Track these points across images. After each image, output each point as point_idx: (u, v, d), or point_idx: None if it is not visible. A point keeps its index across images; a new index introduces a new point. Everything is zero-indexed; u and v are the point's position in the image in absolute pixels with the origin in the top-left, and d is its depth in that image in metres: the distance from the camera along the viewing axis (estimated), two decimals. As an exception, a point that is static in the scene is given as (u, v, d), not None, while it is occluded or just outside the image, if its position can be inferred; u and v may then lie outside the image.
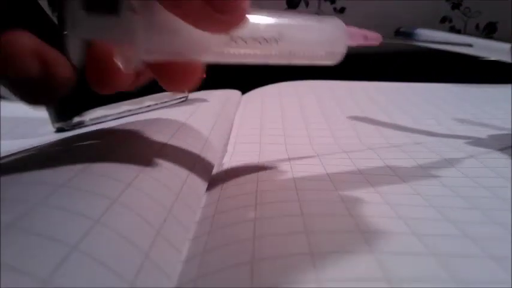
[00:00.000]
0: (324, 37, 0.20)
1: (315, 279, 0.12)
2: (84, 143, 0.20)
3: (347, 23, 0.20)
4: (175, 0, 0.16)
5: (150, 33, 0.17)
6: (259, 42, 0.19)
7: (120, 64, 0.18)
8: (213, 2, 0.16)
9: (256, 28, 0.19)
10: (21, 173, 0.15)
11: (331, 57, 0.20)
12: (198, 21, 0.17)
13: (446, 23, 0.57)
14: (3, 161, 0.18)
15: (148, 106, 0.34)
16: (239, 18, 0.17)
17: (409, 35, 0.31)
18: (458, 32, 0.57)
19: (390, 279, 0.12)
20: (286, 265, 0.13)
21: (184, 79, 0.20)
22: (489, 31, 0.57)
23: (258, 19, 0.19)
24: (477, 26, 0.57)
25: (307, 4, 0.57)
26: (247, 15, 0.17)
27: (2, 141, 0.24)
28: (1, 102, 0.21)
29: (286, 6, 0.57)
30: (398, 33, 0.31)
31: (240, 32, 0.18)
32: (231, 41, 0.18)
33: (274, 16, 0.19)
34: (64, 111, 0.30)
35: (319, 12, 0.57)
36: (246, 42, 0.18)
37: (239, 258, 0.14)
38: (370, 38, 0.21)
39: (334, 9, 0.57)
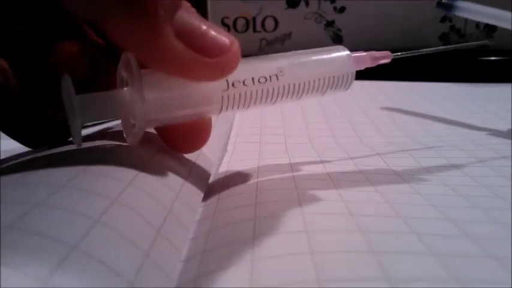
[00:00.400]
0: (330, 68, 0.20)
1: (314, 279, 0.12)
2: (84, 143, 0.20)
3: (354, 50, 0.20)
4: (164, 59, 0.16)
5: (146, 102, 0.17)
6: (259, 81, 0.18)
7: (126, 138, 0.19)
8: (202, 48, 0.16)
9: (255, 68, 0.18)
10: (21, 173, 0.15)
11: (340, 85, 0.21)
12: (191, 72, 0.16)
13: (446, 22, 0.57)
14: (3, 161, 0.18)
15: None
16: (232, 59, 0.17)
17: (449, 7, 0.31)
18: (458, 31, 0.57)
19: (390, 278, 0.12)
20: (286, 264, 0.13)
21: (192, 140, 0.20)
22: (489, 30, 0.57)
23: (256, 61, 0.19)
24: (477, 25, 0.57)
25: (307, 4, 0.57)
26: (239, 56, 0.17)
27: (2, 141, 0.24)
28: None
29: (286, 5, 0.57)
30: (439, 5, 0.32)
31: (237, 75, 0.18)
32: (228, 87, 0.18)
33: (274, 56, 0.19)
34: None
35: (318, 11, 0.57)
36: (244, 83, 0.18)
37: (239, 258, 0.14)
38: (380, 58, 0.21)
39: (334, 8, 0.57)
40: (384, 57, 0.21)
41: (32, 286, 0.10)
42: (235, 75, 0.18)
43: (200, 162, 0.23)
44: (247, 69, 0.18)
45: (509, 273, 0.13)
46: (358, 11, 0.57)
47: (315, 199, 0.18)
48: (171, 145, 0.21)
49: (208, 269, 0.14)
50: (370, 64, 0.21)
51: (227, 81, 0.18)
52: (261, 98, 0.19)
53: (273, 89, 0.19)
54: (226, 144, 0.29)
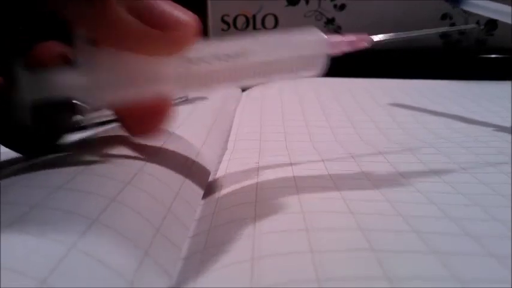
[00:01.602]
0: (299, 49, 0.19)
1: (315, 278, 0.12)
2: (83, 143, 0.20)
3: (334, 33, 0.20)
4: (116, 34, 0.15)
5: (97, 80, 0.16)
6: (220, 59, 0.18)
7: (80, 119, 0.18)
8: (155, 22, 0.15)
9: (217, 46, 0.18)
10: (19, 175, 0.15)
11: (311, 68, 0.19)
12: (144, 47, 0.16)
13: (447, 20, 0.57)
14: (2, 163, 0.18)
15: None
16: (187, 33, 0.16)
17: (457, 2, 0.31)
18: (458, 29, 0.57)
19: (390, 277, 0.12)
20: (286, 263, 0.13)
21: (151, 121, 0.19)
22: (489, 28, 0.57)
23: (220, 40, 0.18)
24: (477, 23, 0.57)
25: (307, 1, 0.57)
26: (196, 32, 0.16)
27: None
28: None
29: (286, 3, 0.57)
30: None
31: (197, 52, 0.17)
32: (188, 63, 0.17)
33: (242, 37, 0.18)
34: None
35: (319, 9, 0.57)
36: (204, 60, 0.17)
37: (239, 256, 0.14)
38: (358, 41, 0.20)
39: (335, 6, 0.57)
40: (362, 41, 0.20)
41: (31, 286, 0.10)
42: (194, 52, 0.17)
43: (200, 160, 0.23)
44: (209, 47, 0.18)
45: (510, 271, 0.13)
46: (358, 8, 0.57)
47: (315, 197, 0.18)
48: (129, 127, 0.20)
49: (208, 267, 0.14)
50: (347, 48, 0.20)
51: (185, 57, 0.17)
52: (224, 77, 0.18)
53: (236, 67, 0.18)
54: (226, 142, 0.29)
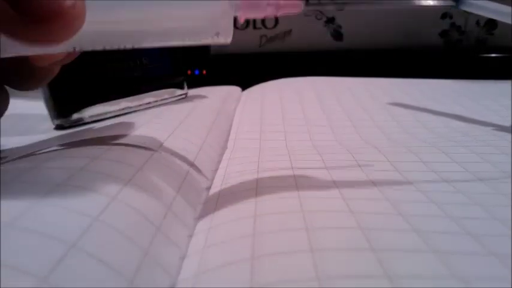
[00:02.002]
0: (199, 10, 0.17)
1: (314, 276, 0.12)
2: (83, 141, 0.20)
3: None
4: None
5: None
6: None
7: None
8: (28, 12, 0.14)
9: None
10: (19, 171, 0.15)
11: (215, 33, 0.17)
12: (20, 37, 0.14)
13: (447, 19, 0.57)
14: (2, 159, 0.18)
15: (148, 103, 0.34)
16: (63, 26, 0.14)
17: (456, 2, 0.31)
18: (459, 28, 0.57)
19: (390, 276, 0.12)
20: (286, 262, 0.13)
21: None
22: (489, 27, 0.57)
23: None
24: (477, 23, 0.57)
25: (307, 1, 0.57)
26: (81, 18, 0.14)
27: (1, 138, 0.24)
28: (9, 95, 0.22)
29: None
30: None
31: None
32: None
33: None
34: (63, 108, 0.30)
35: (318, 8, 0.57)
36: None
37: (239, 255, 0.14)
38: (282, 6, 0.18)
39: (335, 4, 0.57)
40: (288, 6, 0.18)
41: (31, 284, 0.10)
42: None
43: (200, 159, 0.23)
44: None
45: (510, 270, 0.13)
46: (359, 7, 0.57)
47: (315, 196, 0.18)
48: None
49: (208, 266, 0.14)
50: (269, 11, 0.18)
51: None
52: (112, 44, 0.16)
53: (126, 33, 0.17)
54: (226, 141, 0.29)
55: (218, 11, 0.17)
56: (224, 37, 0.18)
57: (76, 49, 0.16)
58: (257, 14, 0.18)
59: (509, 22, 0.29)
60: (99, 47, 0.16)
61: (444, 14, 0.57)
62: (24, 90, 0.20)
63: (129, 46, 0.17)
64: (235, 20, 0.18)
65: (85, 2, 0.15)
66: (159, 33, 0.17)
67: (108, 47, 0.16)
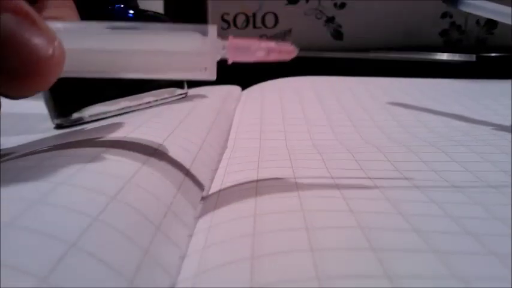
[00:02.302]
0: (184, 48, 0.17)
1: (314, 276, 0.12)
2: (82, 140, 0.20)
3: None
4: None
5: None
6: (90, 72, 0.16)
7: None
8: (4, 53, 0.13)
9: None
10: (19, 170, 0.15)
11: (201, 68, 0.17)
12: None
13: (447, 19, 0.57)
14: (2, 158, 0.18)
15: (148, 102, 0.34)
16: (39, 79, 0.14)
17: (454, 2, 0.31)
18: (459, 27, 0.57)
19: (390, 276, 0.12)
20: (286, 261, 0.13)
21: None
22: (489, 27, 0.57)
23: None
24: (477, 22, 0.57)
25: (307, 0, 0.57)
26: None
27: (1, 137, 0.24)
28: (1, 98, 0.21)
29: (286, 2, 0.57)
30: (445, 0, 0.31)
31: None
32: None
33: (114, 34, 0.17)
34: (63, 107, 0.30)
35: (319, 7, 0.57)
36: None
37: (239, 255, 0.14)
38: (274, 52, 0.17)
39: (335, 4, 0.57)
40: (282, 52, 0.17)
41: (31, 284, 0.10)
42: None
43: (200, 158, 0.23)
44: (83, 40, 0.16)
45: (510, 270, 0.13)
46: (359, 6, 0.57)
47: (315, 196, 0.18)
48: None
49: (208, 266, 0.14)
50: (261, 56, 0.17)
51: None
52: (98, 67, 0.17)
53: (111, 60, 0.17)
54: (226, 140, 0.29)
55: (207, 48, 0.17)
56: (209, 74, 0.18)
57: None
58: (246, 58, 0.17)
59: (508, 22, 0.29)
60: (83, 74, 0.16)
61: (444, 13, 0.57)
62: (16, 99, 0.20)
63: (109, 76, 0.17)
64: (224, 60, 0.18)
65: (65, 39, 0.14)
66: (142, 67, 0.17)
67: (89, 76, 0.16)
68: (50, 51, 0.14)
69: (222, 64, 0.18)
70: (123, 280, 0.12)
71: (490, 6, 0.30)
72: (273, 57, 0.17)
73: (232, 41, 0.17)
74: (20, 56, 0.13)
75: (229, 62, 0.18)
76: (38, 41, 0.13)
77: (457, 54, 0.20)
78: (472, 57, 0.21)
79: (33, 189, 0.14)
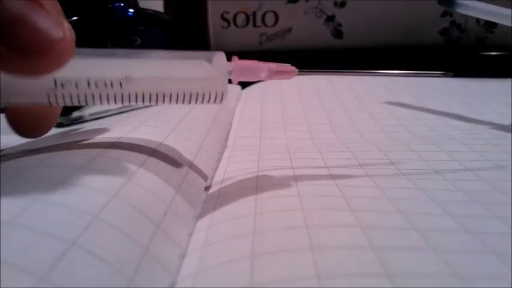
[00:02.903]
0: (192, 85, 0.17)
1: (315, 274, 0.12)
2: (83, 138, 0.20)
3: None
4: None
5: None
6: (96, 86, 0.16)
7: None
8: (9, 42, 0.13)
9: (94, 69, 0.16)
10: (19, 168, 0.15)
11: (208, 101, 0.18)
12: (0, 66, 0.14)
13: (447, 17, 0.57)
14: (2, 156, 0.18)
15: (148, 101, 0.33)
16: (50, 60, 0.14)
17: (450, 3, 0.31)
18: (459, 26, 0.57)
19: (390, 274, 0.12)
20: (286, 260, 0.13)
21: (33, 125, 0.19)
22: (490, 26, 0.57)
23: (100, 60, 0.16)
24: (478, 21, 0.57)
25: (307, -1, 0.57)
26: (71, 54, 0.14)
27: (1, 136, 0.24)
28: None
29: (286, 0, 0.57)
30: (441, 1, 0.31)
31: (68, 74, 0.15)
32: (56, 86, 0.16)
33: (127, 54, 0.17)
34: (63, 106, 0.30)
35: (319, 6, 0.57)
36: (76, 86, 0.16)
37: (239, 253, 0.14)
38: (276, 73, 0.19)
39: (335, 3, 0.57)
40: (284, 73, 0.19)
41: (31, 282, 0.10)
42: (64, 74, 0.15)
43: (200, 157, 0.23)
44: (84, 69, 0.16)
45: (510, 269, 0.13)
46: (359, 5, 0.57)
47: (315, 194, 0.18)
48: (15, 127, 0.19)
49: (208, 265, 0.14)
50: (255, 76, 0.19)
51: (54, 80, 0.16)
52: (100, 101, 0.17)
53: (115, 95, 0.17)
54: (226, 139, 0.29)
55: (214, 74, 0.18)
56: (218, 99, 0.18)
57: (57, 81, 0.16)
58: (250, 78, 0.18)
59: (504, 23, 0.28)
60: (83, 80, 0.16)
61: (444, 12, 0.57)
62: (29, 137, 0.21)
63: (116, 80, 0.17)
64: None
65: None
66: (148, 83, 0.17)
67: (93, 80, 0.16)
68: (61, 32, 0.14)
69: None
70: (123, 279, 0.12)
71: (486, 7, 0.30)
72: (275, 78, 0.19)
73: (238, 64, 0.18)
74: (32, 35, 0.14)
75: (235, 83, 0.19)
76: (47, 22, 0.14)
77: (436, 72, 0.20)
78: (450, 74, 0.21)
79: (33, 188, 0.14)
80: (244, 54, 0.19)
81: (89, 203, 0.14)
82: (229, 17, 0.58)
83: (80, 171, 0.15)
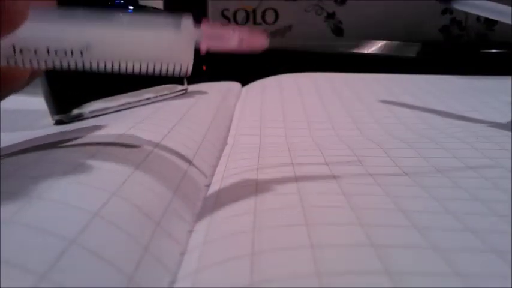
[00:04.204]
0: (158, 44, 0.17)
1: (314, 272, 0.12)
2: (83, 136, 0.20)
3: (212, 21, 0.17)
4: None
5: None
6: (56, 54, 0.16)
7: None
8: None
9: (54, 36, 0.16)
10: (19, 166, 0.15)
11: (172, 66, 0.17)
12: None
13: (447, 15, 0.57)
14: (2, 154, 0.18)
15: (148, 99, 0.34)
16: (3, 21, 0.13)
17: (448, 0, 0.31)
18: (459, 23, 0.57)
19: (390, 272, 0.12)
20: (286, 258, 0.13)
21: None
22: (490, 23, 0.57)
23: (60, 26, 0.16)
24: (478, 18, 0.57)
25: (307, -5, 0.57)
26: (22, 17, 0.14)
27: (1, 134, 0.24)
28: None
29: (286, -3, 0.57)
30: None
31: (27, 41, 0.15)
32: (14, 52, 0.15)
33: (85, 20, 0.16)
34: (63, 103, 0.30)
35: (319, 4, 0.57)
36: (35, 52, 0.16)
37: (239, 251, 0.14)
38: (246, 41, 0.17)
39: (335, 0, 0.57)
40: (253, 40, 0.17)
41: (31, 281, 0.10)
42: (23, 41, 0.15)
43: (200, 155, 0.23)
44: (44, 35, 0.16)
45: (510, 267, 0.13)
46: (359, 3, 0.57)
47: (315, 192, 0.18)
48: None
49: (208, 262, 0.14)
50: (227, 46, 0.17)
51: (13, 45, 0.15)
52: (60, 67, 0.16)
53: (76, 62, 0.16)
54: (226, 137, 0.29)
55: (180, 40, 0.17)
56: (184, 67, 0.17)
57: (15, 47, 0.16)
58: (220, 45, 0.17)
59: (502, 20, 0.28)
60: (42, 47, 0.16)
61: (445, 9, 0.57)
62: None
63: (77, 50, 0.16)
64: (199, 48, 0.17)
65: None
66: (111, 51, 0.17)
67: (52, 48, 0.16)
68: None
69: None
70: (123, 276, 0.12)
71: (484, 4, 0.30)
72: (246, 47, 0.17)
73: (206, 31, 0.17)
74: None
75: (203, 51, 0.17)
76: None
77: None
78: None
79: (32, 186, 0.13)
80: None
81: (88, 201, 0.14)
82: (229, 14, 0.58)
83: (79, 168, 0.15)
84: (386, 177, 0.20)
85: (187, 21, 0.17)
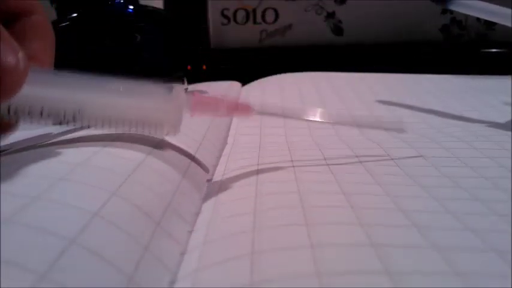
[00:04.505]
0: (146, 110, 0.18)
1: (314, 272, 0.12)
2: (82, 136, 0.20)
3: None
4: None
5: None
6: (49, 116, 0.16)
7: None
8: None
9: (49, 101, 0.16)
10: (19, 166, 0.15)
11: (163, 124, 0.18)
12: None
13: (447, 14, 0.57)
14: (2, 153, 0.18)
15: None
16: (5, 87, 0.13)
17: (444, 1, 0.30)
18: (459, 23, 0.57)
19: (390, 272, 0.12)
20: (286, 257, 0.13)
21: None
22: (490, 23, 0.57)
23: (53, 91, 0.16)
24: (478, 18, 0.57)
25: (307, -5, 0.57)
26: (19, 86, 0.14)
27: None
28: None
29: (286, -3, 0.57)
30: None
31: (22, 102, 0.16)
32: (9, 112, 0.16)
33: (79, 86, 0.17)
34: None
35: (319, 3, 0.57)
36: (29, 114, 0.16)
37: (239, 251, 0.14)
38: (233, 110, 0.19)
39: (335, 0, 0.57)
40: (242, 110, 0.19)
41: (30, 281, 0.10)
42: (17, 103, 0.16)
43: (200, 154, 0.23)
44: (38, 99, 0.16)
45: (510, 266, 0.13)
46: (359, 2, 0.57)
47: (315, 192, 0.18)
48: None
49: (208, 262, 0.14)
50: (215, 114, 0.19)
51: (8, 107, 0.16)
52: (52, 125, 0.17)
53: (67, 123, 0.17)
54: (226, 136, 0.29)
55: (170, 105, 0.18)
56: (173, 129, 0.19)
57: (10, 108, 0.16)
58: (207, 114, 0.19)
59: (497, 21, 0.28)
60: (37, 109, 0.16)
61: (445, 9, 0.57)
62: None
63: (70, 113, 0.17)
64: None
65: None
66: (103, 116, 0.17)
67: (46, 110, 0.16)
68: (14, 60, 0.13)
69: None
70: (123, 276, 0.12)
71: (480, 5, 0.30)
72: (233, 114, 0.19)
73: (196, 98, 0.18)
74: None
75: (192, 115, 0.19)
76: (1, 48, 0.13)
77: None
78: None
79: (32, 185, 0.13)
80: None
81: (88, 201, 0.14)
82: (229, 13, 0.58)
83: (79, 168, 0.15)
84: (387, 177, 0.20)
85: (178, 90, 0.18)
